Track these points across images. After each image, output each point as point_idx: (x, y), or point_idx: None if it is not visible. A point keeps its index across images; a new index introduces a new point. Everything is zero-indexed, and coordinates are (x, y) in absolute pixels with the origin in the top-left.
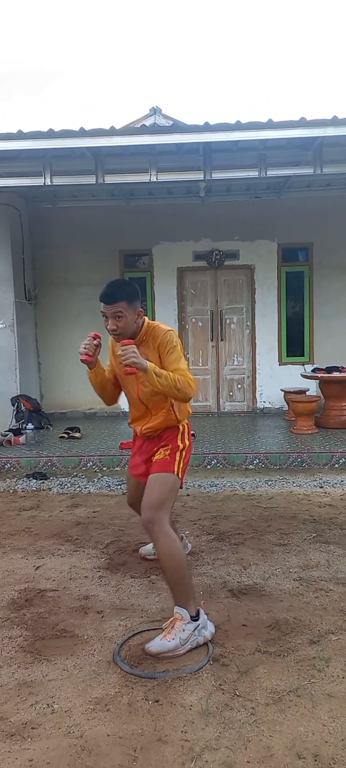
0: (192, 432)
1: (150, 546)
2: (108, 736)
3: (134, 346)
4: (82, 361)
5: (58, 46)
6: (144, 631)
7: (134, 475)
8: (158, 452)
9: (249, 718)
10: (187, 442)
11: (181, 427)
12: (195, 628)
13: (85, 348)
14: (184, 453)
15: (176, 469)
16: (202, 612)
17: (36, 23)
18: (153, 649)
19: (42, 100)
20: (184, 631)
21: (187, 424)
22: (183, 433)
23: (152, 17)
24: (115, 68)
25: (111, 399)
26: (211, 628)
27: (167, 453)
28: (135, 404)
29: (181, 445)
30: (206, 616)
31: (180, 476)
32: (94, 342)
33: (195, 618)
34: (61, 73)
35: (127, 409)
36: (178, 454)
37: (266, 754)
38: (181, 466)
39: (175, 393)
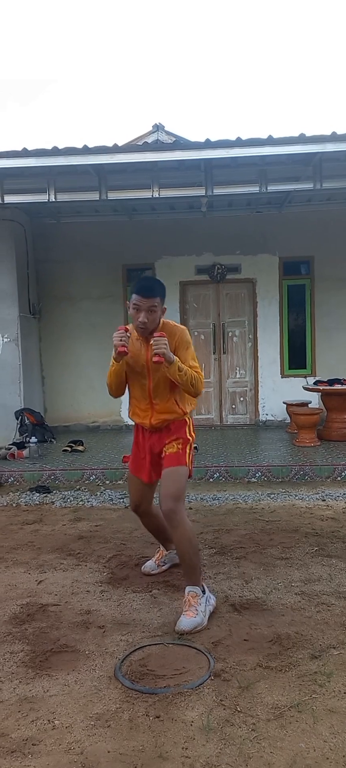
0: (195, 445)
1: (152, 562)
2: (109, 752)
3: (166, 338)
4: (119, 353)
5: (52, 56)
6: (146, 646)
7: (139, 471)
8: (170, 445)
9: (250, 734)
10: (193, 435)
11: (187, 420)
12: (206, 599)
13: (122, 340)
14: (192, 445)
15: (187, 461)
16: (205, 585)
17: (30, 33)
18: (186, 628)
19: (35, 110)
20: (200, 604)
21: (191, 419)
22: (190, 426)
23: (155, 34)
24: (117, 84)
25: (121, 391)
26: (213, 597)
27: (180, 446)
28: (141, 397)
29: (190, 438)
30: (207, 589)
31: (190, 467)
32: (127, 334)
33: (203, 591)
34: (53, 82)
35: (130, 422)
36: (188, 446)
37: None
38: (190, 457)
39: (189, 387)
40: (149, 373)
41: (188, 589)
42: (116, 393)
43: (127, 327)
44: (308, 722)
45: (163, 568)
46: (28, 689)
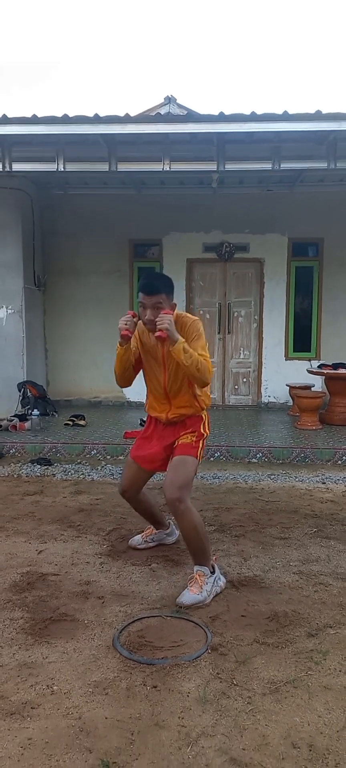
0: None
1: (139, 537)
2: (106, 718)
3: (171, 315)
4: (123, 336)
5: (57, 38)
6: (144, 618)
7: (141, 457)
8: (185, 436)
9: (246, 707)
10: (208, 431)
11: (204, 416)
12: (214, 580)
13: (126, 324)
14: (205, 441)
15: (198, 455)
16: (216, 566)
17: (33, 15)
18: (187, 602)
19: (39, 93)
20: (207, 584)
21: (208, 415)
22: (206, 423)
23: (167, 5)
24: (127, 58)
25: (127, 381)
26: (223, 578)
27: (194, 438)
28: (158, 392)
29: (205, 434)
30: (218, 569)
31: (199, 461)
32: (134, 319)
33: (212, 571)
34: (58, 64)
35: (132, 399)
36: (202, 441)
37: (261, 742)
38: (201, 452)
39: (195, 373)
40: (165, 366)
41: (196, 567)
42: (122, 382)
43: (136, 312)
44: (303, 698)
45: (150, 545)
46: (27, 655)
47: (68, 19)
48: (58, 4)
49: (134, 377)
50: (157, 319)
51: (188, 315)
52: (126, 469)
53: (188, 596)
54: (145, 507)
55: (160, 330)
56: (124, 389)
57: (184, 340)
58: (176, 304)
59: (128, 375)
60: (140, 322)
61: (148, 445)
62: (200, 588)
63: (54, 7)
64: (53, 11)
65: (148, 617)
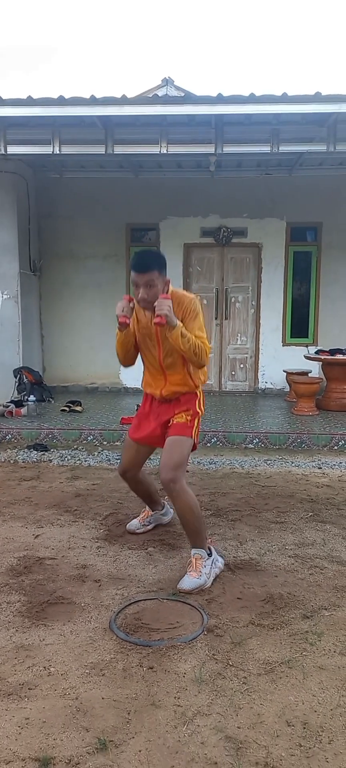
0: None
1: (136, 521)
2: (103, 699)
3: (170, 300)
4: (120, 323)
5: (55, 21)
6: (140, 600)
7: (140, 438)
8: (179, 415)
9: (241, 687)
10: (203, 409)
11: (198, 393)
12: (212, 562)
13: (123, 310)
14: (200, 419)
15: (193, 434)
16: (212, 548)
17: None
18: (187, 587)
19: (38, 76)
20: (205, 566)
21: (202, 393)
22: (200, 400)
23: None
24: (124, 40)
25: (131, 360)
26: (221, 559)
27: (188, 417)
28: (153, 368)
29: (199, 412)
30: (215, 551)
31: (195, 441)
32: (130, 305)
33: (209, 554)
34: (56, 49)
35: (129, 385)
36: (197, 420)
37: (256, 720)
38: (197, 431)
39: (192, 356)
40: (159, 343)
41: (193, 551)
42: (125, 362)
43: (132, 297)
44: (297, 678)
45: (148, 528)
46: (24, 638)
47: (66, 2)
48: None
49: (137, 355)
50: (155, 304)
51: (185, 293)
52: (125, 450)
53: (188, 581)
54: (144, 488)
55: (158, 315)
56: (121, 375)
57: (181, 324)
58: (169, 280)
59: (131, 355)
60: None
61: (146, 423)
62: (199, 572)
63: None
64: None
65: (145, 600)
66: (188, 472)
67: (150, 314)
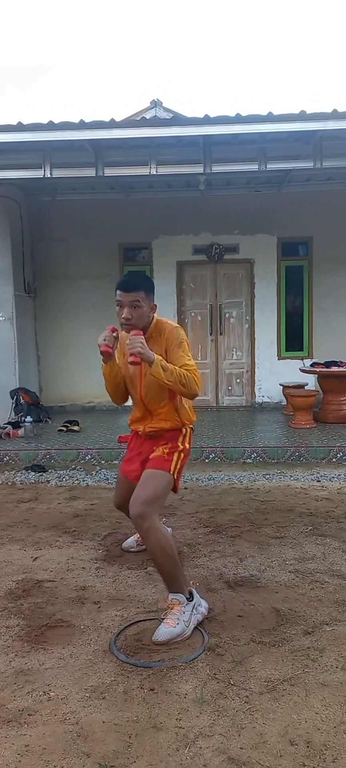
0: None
1: (132, 539)
2: (103, 722)
3: (142, 336)
4: (102, 352)
5: (49, 39)
6: (140, 621)
7: (127, 473)
8: (157, 449)
9: (243, 706)
10: (187, 446)
11: (184, 430)
12: (192, 608)
13: (105, 340)
14: (182, 455)
15: (172, 469)
16: (194, 591)
17: (26, 16)
18: (162, 638)
19: (33, 94)
20: (184, 613)
21: (190, 429)
22: (185, 436)
23: (153, 9)
24: (114, 62)
25: (122, 397)
26: (205, 603)
27: (166, 451)
28: (137, 405)
29: (180, 447)
30: (197, 595)
31: (175, 477)
32: (113, 335)
33: (190, 599)
34: (52, 67)
35: (126, 404)
36: (176, 454)
37: (259, 740)
38: (177, 467)
39: (180, 388)
40: (141, 377)
41: (170, 596)
42: (116, 398)
43: (115, 327)
44: (300, 695)
45: (142, 547)
46: (23, 662)
47: (57, 23)
48: (46, 9)
49: (127, 391)
50: (127, 342)
51: (168, 321)
52: (117, 485)
53: (163, 630)
54: None
55: (132, 355)
56: None
57: (160, 357)
58: (156, 306)
59: (121, 391)
60: (122, 333)
61: (131, 461)
62: (177, 620)
63: (43, 12)
64: (42, 16)
65: (145, 620)
66: (186, 488)
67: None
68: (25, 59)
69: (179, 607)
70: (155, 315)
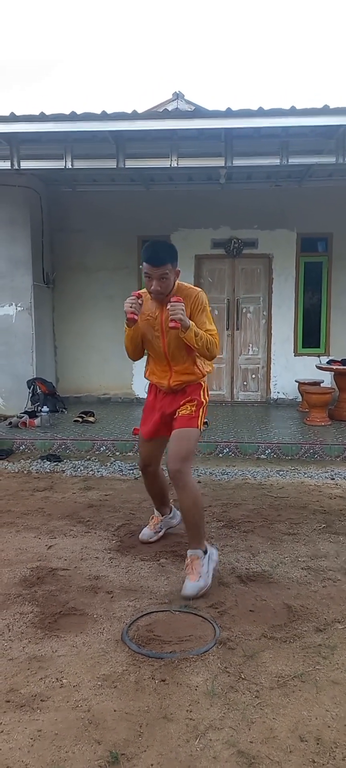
0: (205, 420)
1: (148, 530)
2: (115, 711)
3: (183, 304)
4: (129, 319)
5: (60, 34)
6: (153, 612)
7: (149, 432)
8: (184, 407)
9: (253, 701)
10: (207, 398)
11: (203, 383)
12: (208, 558)
13: (132, 307)
14: (205, 409)
15: (199, 424)
16: (206, 544)
17: (36, 12)
18: (189, 592)
19: (42, 90)
20: (203, 566)
21: (206, 382)
22: (205, 390)
23: (176, 1)
24: (135, 55)
25: (140, 354)
26: (215, 551)
27: (193, 408)
28: (158, 358)
29: (204, 402)
30: (209, 546)
31: (201, 430)
32: (139, 301)
33: (204, 551)
34: (59, 62)
35: (141, 396)
36: (201, 410)
37: (269, 735)
38: (202, 421)
39: (205, 352)
40: (163, 333)
41: (189, 552)
42: (134, 356)
43: (140, 293)
44: (310, 692)
45: (160, 534)
46: (37, 649)
47: (72, 15)
48: (60, 5)
49: (143, 349)
50: (169, 308)
51: (192, 287)
52: (141, 447)
53: (191, 586)
54: (159, 486)
55: (173, 320)
56: (133, 385)
57: (194, 324)
58: (179, 271)
59: (139, 349)
60: (145, 294)
61: (151, 416)
62: (199, 573)
63: (58, 3)
64: (57, 7)
65: (157, 612)
66: (199, 482)
67: (155, 306)
68: (32, 54)
69: (198, 561)
70: (178, 282)
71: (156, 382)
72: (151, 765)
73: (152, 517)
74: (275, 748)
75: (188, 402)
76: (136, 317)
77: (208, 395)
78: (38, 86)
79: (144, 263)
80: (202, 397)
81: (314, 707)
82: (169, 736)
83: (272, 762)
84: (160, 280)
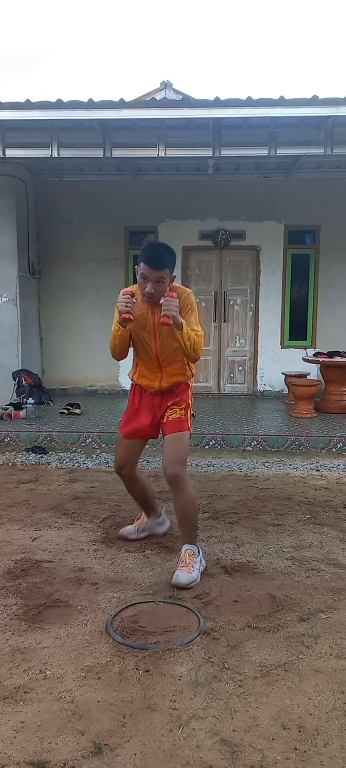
0: (192, 413)
1: (131, 527)
2: (98, 702)
3: (177, 301)
4: (125, 319)
5: (46, 25)
6: (137, 603)
7: (132, 432)
8: (172, 411)
9: (237, 690)
10: (192, 401)
11: (190, 384)
12: (200, 559)
13: (127, 307)
14: (191, 410)
15: (189, 426)
16: (198, 546)
17: (22, 3)
18: (182, 581)
19: (31, 81)
20: (196, 562)
21: (192, 382)
22: (190, 390)
23: None
24: (122, 43)
25: (125, 354)
26: (204, 560)
27: (182, 411)
28: (149, 360)
29: (190, 404)
30: (200, 549)
31: (191, 430)
32: (133, 299)
33: (198, 551)
34: (48, 53)
35: (128, 388)
36: (189, 411)
37: (251, 723)
38: (191, 421)
39: (191, 352)
40: (156, 335)
41: (185, 547)
42: (120, 356)
43: (133, 291)
44: (293, 681)
45: (141, 535)
46: (20, 641)
47: (58, 5)
48: None
49: (129, 348)
50: (163, 303)
51: (181, 287)
52: (118, 447)
53: (183, 575)
54: (140, 488)
55: (166, 316)
56: (120, 377)
57: (185, 323)
58: (175, 276)
59: (126, 349)
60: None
61: (137, 417)
62: (192, 567)
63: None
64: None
65: (142, 603)
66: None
67: (146, 307)
68: (20, 45)
69: (193, 556)
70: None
71: (146, 384)
72: (135, 755)
73: (138, 518)
74: (257, 736)
75: (176, 405)
76: (131, 317)
77: (192, 398)
78: (25, 79)
79: (141, 263)
80: (189, 398)
81: (297, 696)
82: (153, 726)
83: (254, 750)
84: (156, 284)
